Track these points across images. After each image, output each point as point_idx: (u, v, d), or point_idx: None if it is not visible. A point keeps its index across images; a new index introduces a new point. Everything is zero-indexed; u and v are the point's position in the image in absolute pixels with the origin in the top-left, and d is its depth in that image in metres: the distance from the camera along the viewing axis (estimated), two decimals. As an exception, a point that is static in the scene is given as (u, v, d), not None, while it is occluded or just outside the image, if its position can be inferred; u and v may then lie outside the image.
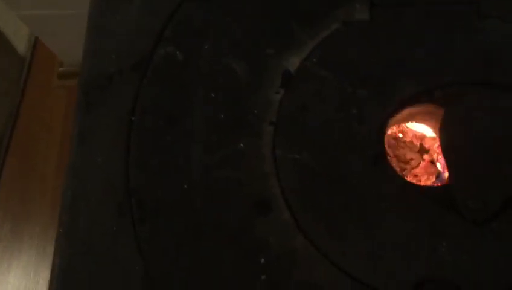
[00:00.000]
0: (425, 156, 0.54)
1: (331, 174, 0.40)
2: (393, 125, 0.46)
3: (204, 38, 0.43)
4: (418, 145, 0.55)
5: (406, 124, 0.55)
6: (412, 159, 0.54)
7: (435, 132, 0.47)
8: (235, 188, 0.40)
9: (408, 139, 0.56)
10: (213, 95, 0.42)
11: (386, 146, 0.55)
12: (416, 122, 0.48)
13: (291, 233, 0.38)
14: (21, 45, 1.15)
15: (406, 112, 0.43)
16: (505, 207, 0.37)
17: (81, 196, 0.40)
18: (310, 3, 0.44)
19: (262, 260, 0.38)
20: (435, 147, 0.53)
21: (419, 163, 0.54)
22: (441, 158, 0.49)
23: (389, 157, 0.52)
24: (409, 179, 0.49)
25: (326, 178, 0.40)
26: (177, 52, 0.43)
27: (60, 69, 1.12)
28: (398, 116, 0.43)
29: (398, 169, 0.48)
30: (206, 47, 0.43)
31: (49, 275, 0.40)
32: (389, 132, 0.56)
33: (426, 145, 0.54)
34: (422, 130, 0.54)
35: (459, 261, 0.37)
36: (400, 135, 0.55)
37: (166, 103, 0.42)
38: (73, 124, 0.42)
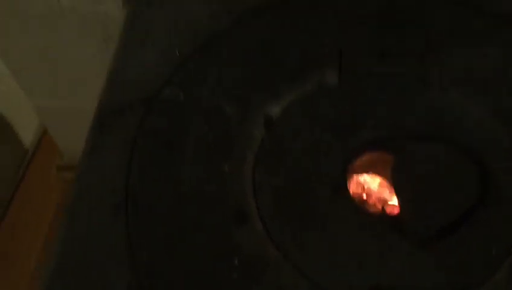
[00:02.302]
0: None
1: (299, 197, 0.47)
2: (358, 171, 0.54)
3: (204, 84, 0.53)
4: (381, 208, 0.63)
5: (371, 187, 0.63)
6: (374, 216, 0.61)
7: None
8: (218, 201, 0.46)
9: (371, 202, 0.64)
10: (206, 128, 0.51)
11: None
12: (377, 173, 0.56)
13: (263, 241, 0.44)
14: (27, 138, 1.21)
15: (365, 158, 0.52)
16: (442, 233, 0.45)
17: (85, 196, 0.47)
18: (292, 66, 0.54)
19: (236, 261, 0.43)
20: (394, 211, 0.61)
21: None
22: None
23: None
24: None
25: (295, 200, 0.47)
26: (180, 93, 0.53)
27: (60, 162, 1.16)
28: (359, 162, 0.52)
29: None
30: (204, 91, 0.53)
31: None
32: (355, 190, 0.64)
33: (387, 210, 0.62)
34: (385, 195, 0.62)
35: (403, 273, 0.43)
36: (364, 196, 0.64)
37: (166, 130, 0.50)
38: (86, 142, 0.50)
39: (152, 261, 0.43)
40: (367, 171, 0.57)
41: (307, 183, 0.48)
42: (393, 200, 0.56)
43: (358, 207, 0.48)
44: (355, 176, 0.59)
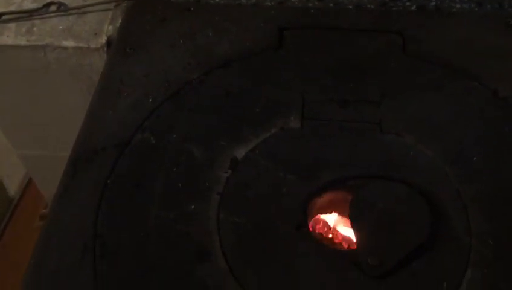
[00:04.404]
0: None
1: (262, 235, 0.49)
2: (321, 211, 0.57)
3: (174, 129, 0.56)
4: (346, 247, 0.65)
5: (337, 227, 0.65)
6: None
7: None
8: (183, 239, 0.49)
9: (337, 241, 0.66)
10: (175, 170, 0.53)
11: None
12: (339, 213, 0.58)
13: (225, 278, 0.46)
14: (12, 188, 1.25)
15: (326, 197, 0.54)
16: (398, 266, 0.47)
17: (55, 235, 0.49)
18: (257, 113, 0.58)
19: (199, 296, 0.45)
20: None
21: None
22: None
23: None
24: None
25: (258, 237, 0.49)
26: (151, 138, 0.56)
27: (44, 211, 1.19)
28: (321, 201, 0.55)
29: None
30: (174, 136, 0.56)
31: None
32: (321, 230, 0.66)
33: (351, 247, 0.64)
34: (349, 235, 0.64)
35: (360, 306, 0.45)
36: (330, 236, 0.66)
37: (137, 173, 0.53)
38: (58, 184, 0.52)
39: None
40: (330, 211, 0.59)
41: (269, 221, 0.50)
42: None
43: (318, 244, 0.50)
44: (320, 216, 0.61)
